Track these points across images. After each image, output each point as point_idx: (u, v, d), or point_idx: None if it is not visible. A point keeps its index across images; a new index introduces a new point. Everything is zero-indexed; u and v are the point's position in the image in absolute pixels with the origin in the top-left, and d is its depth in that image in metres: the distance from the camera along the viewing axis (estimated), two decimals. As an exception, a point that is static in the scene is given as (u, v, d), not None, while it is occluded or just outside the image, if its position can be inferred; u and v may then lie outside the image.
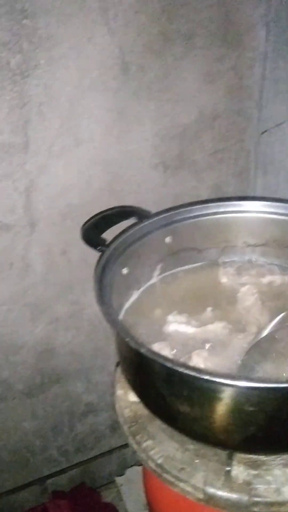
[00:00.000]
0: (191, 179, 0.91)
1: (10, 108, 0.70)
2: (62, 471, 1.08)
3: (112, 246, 0.56)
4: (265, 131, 0.89)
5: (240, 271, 0.64)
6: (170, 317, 0.57)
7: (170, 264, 0.65)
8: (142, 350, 0.41)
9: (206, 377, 0.38)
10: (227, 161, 0.93)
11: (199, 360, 0.49)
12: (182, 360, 0.51)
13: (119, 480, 1.05)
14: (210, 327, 0.55)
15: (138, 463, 1.11)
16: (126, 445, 1.16)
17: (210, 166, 0.92)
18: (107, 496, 1.04)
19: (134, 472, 1.07)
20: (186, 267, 0.65)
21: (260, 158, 0.93)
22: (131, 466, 1.12)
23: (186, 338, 0.54)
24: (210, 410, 0.43)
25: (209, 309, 0.58)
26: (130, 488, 1.02)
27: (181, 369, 0.39)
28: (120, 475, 1.08)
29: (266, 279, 0.62)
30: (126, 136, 0.81)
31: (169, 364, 0.39)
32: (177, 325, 0.55)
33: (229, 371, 0.49)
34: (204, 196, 0.94)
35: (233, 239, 0.65)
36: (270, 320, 0.53)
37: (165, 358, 0.40)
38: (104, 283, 0.51)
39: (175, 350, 0.54)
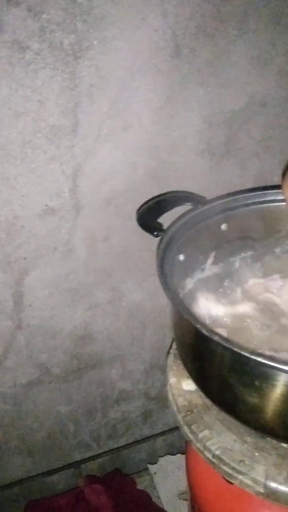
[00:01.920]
0: (236, 167, 0.89)
1: (61, 89, 0.69)
2: (94, 457, 1.09)
3: (170, 231, 0.55)
4: None
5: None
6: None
7: (224, 253, 0.63)
8: (215, 338, 0.40)
9: (284, 367, 0.37)
10: (274, 149, 0.91)
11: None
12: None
13: (152, 468, 1.05)
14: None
15: (171, 453, 1.11)
16: (156, 435, 1.16)
17: (256, 154, 0.90)
18: (140, 484, 1.05)
19: (167, 461, 1.07)
20: (241, 255, 0.64)
21: (308, 147, 0.91)
22: (164, 455, 1.12)
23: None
24: (281, 402, 0.41)
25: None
26: (163, 477, 1.02)
27: (258, 358, 0.38)
28: (152, 463, 1.08)
29: None
30: (174, 121, 0.80)
31: (245, 353, 0.38)
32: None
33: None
34: (249, 185, 0.92)
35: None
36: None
37: (241, 347, 0.39)
38: (165, 269, 0.49)
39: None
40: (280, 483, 0.46)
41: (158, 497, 0.98)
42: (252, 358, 0.38)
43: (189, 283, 0.60)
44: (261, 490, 0.46)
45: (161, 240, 0.54)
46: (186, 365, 0.54)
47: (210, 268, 0.62)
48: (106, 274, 0.89)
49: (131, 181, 0.81)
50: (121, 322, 0.97)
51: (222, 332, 0.52)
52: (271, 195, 0.62)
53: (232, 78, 0.81)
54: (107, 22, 0.68)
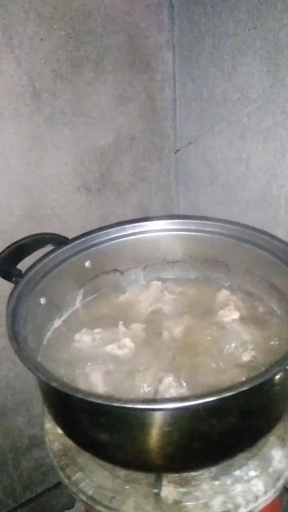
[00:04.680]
0: (115, 199, 0.93)
1: None
2: (10, 512, 1.03)
3: (27, 276, 0.55)
4: (180, 149, 0.93)
5: (161, 288, 0.65)
6: (77, 336, 0.57)
7: (92, 288, 0.64)
8: (53, 384, 0.40)
9: (113, 404, 0.38)
10: (149, 179, 0.95)
11: (95, 378, 0.50)
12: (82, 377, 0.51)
13: (69, 513, 1.01)
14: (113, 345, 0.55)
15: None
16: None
17: (132, 185, 0.94)
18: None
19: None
20: (109, 289, 0.65)
21: (180, 175, 0.97)
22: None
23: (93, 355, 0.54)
24: (128, 435, 0.42)
25: (120, 328, 0.58)
26: (80, 521, 0.98)
27: (91, 399, 0.38)
28: (69, 508, 1.04)
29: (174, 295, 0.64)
30: (44, 161, 0.81)
31: (79, 395, 0.39)
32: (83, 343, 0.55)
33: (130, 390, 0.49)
34: (130, 216, 0.95)
35: (152, 258, 0.66)
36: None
37: (74, 389, 0.39)
38: (18, 318, 0.49)
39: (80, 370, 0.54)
40: (148, 512, 0.47)
41: None
42: (87, 400, 0.38)
43: (57, 324, 0.60)
44: (133, 523, 0.47)
45: (15, 287, 0.53)
46: (49, 410, 0.53)
47: (79, 306, 0.63)
48: (-6, 319, 0.86)
49: (8, 223, 0.80)
50: (20, 366, 0.93)
51: (95, 371, 0.53)
52: (130, 229, 0.65)
53: (96, 117, 0.84)
54: None
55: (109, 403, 0.37)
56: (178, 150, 0.92)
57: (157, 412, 0.39)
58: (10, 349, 0.89)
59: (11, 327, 0.47)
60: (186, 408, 0.37)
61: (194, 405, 0.37)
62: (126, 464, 0.47)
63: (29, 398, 0.98)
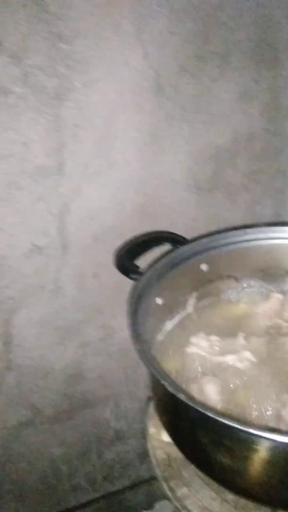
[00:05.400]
0: (225, 201, 0.89)
1: (46, 131, 0.70)
2: (89, 503, 1.05)
3: (147, 274, 0.53)
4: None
5: (282, 302, 0.61)
6: (193, 339, 0.54)
7: (206, 293, 0.62)
8: (181, 397, 0.38)
9: (252, 431, 0.34)
10: (262, 182, 0.91)
11: (212, 390, 0.46)
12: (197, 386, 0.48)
13: (147, 513, 1.00)
14: (233, 356, 0.51)
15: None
16: (155, 477, 1.11)
17: (244, 187, 0.89)
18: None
19: (164, 506, 1.02)
20: (224, 295, 0.62)
21: (297, 179, 0.90)
22: (160, 499, 1.07)
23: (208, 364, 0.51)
24: (254, 464, 0.39)
25: (240, 340, 0.54)
26: (159, 523, 0.97)
27: (224, 420, 0.35)
28: (147, 509, 1.04)
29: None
30: (160, 157, 0.80)
31: (210, 414, 0.36)
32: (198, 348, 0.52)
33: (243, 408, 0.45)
34: (238, 219, 0.91)
35: (273, 267, 0.62)
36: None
37: (207, 407, 0.37)
38: (138, 317, 0.48)
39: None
40: None
41: None
42: (216, 419, 0.35)
43: (169, 326, 0.58)
44: None
45: (135, 285, 0.52)
46: (160, 417, 0.51)
47: (192, 310, 0.60)
48: (96, 310, 0.88)
49: (119, 218, 0.81)
50: (114, 359, 0.94)
51: (212, 382, 0.50)
52: (252, 234, 0.61)
53: (217, 114, 0.81)
54: (90, 65, 0.69)
55: (251, 431, 0.34)
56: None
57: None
58: (105, 342, 0.91)
59: (133, 327, 0.46)
60: None
61: None
62: (242, 491, 0.44)
63: (118, 392, 0.98)
